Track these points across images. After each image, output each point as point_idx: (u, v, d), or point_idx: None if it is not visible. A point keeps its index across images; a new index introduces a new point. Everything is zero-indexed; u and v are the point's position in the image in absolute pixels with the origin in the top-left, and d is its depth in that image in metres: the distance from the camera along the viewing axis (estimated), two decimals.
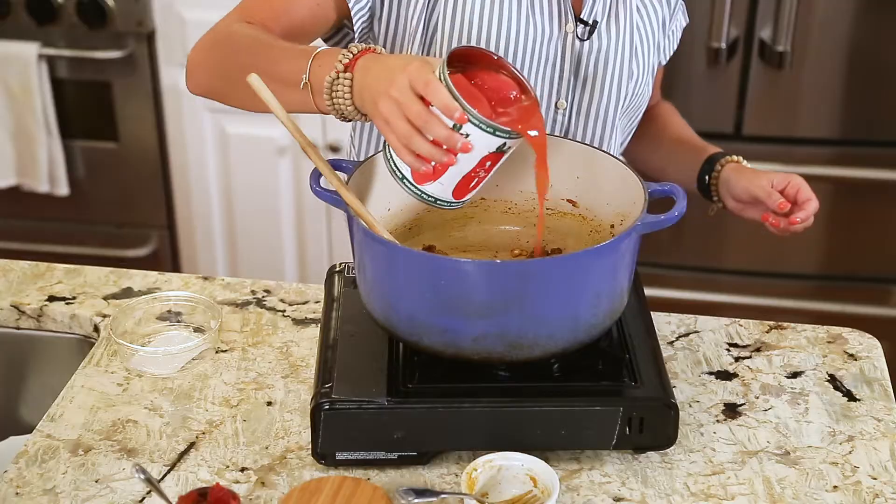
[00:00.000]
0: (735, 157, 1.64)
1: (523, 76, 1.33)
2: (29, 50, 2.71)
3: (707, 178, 1.64)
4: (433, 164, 1.26)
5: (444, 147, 1.23)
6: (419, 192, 1.32)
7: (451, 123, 1.22)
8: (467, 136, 1.24)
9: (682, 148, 1.72)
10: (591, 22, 1.53)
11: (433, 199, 1.33)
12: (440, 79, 1.22)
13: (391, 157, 1.31)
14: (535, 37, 1.52)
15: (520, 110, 1.32)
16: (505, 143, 1.27)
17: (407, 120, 1.22)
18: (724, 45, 2.49)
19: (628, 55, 1.57)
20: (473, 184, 1.33)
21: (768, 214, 1.57)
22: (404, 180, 1.31)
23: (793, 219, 1.54)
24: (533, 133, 1.30)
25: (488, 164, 1.30)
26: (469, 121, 1.23)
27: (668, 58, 1.70)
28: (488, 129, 1.24)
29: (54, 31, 2.73)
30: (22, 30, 2.73)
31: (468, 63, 1.30)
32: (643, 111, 1.67)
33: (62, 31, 2.73)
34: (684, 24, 1.71)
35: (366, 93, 1.28)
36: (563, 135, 1.57)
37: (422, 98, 1.21)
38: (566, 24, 1.53)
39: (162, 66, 2.77)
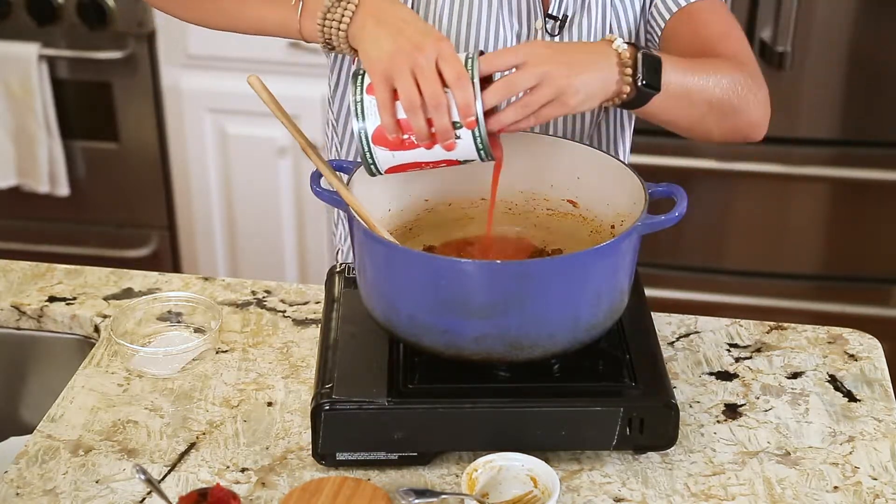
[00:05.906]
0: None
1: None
2: (29, 50, 2.71)
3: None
4: (406, 137, 1.24)
5: (432, 132, 1.22)
6: (367, 148, 1.27)
7: (455, 119, 1.22)
8: (459, 137, 1.23)
9: None
10: (560, 17, 1.51)
11: (371, 162, 1.28)
12: (470, 75, 1.21)
13: (362, 101, 1.25)
14: (505, 35, 1.50)
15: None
16: (475, 160, 1.27)
17: (417, 89, 1.21)
18: None
19: None
20: (412, 171, 1.31)
21: None
22: (363, 132, 1.26)
23: None
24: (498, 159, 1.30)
25: (443, 165, 1.29)
26: (473, 130, 1.22)
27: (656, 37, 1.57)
28: (480, 145, 1.24)
29: (54, 31, 2.73)
30: (22, 30, 2.73)
31: None
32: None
33: (62, 31, 2.73)
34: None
35: (369, 29, 1.24)
36: (540, 131, 1.55)
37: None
38: (535, 21, 1.51)
39: (162, 67, 2.76)
